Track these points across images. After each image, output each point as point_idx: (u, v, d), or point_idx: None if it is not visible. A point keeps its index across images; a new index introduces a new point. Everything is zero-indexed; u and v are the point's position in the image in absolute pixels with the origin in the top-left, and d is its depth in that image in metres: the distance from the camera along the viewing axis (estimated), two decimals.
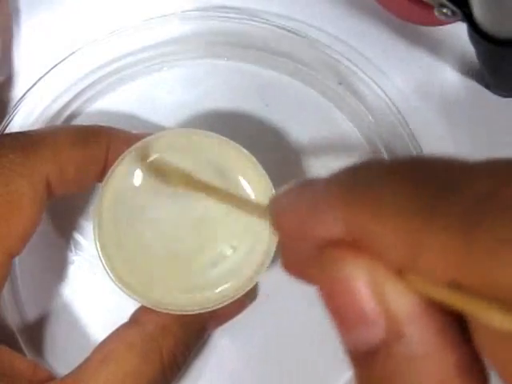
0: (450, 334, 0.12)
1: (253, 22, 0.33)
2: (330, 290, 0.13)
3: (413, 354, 0.12)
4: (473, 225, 0.11)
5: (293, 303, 0.32)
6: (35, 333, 0.32)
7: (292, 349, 0.32)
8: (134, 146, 0.28)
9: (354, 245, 0.13)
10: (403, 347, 0.12)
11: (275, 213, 0.15)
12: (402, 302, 0.12)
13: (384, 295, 0.12)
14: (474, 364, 0.12)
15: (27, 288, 0.32)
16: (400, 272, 0.12)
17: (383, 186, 0.13)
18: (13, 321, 0.31)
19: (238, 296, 0.28)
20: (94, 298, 0.32)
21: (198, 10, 0.34)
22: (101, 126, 0.29)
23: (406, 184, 0.12)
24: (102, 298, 0.32)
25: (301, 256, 0.14)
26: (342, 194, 0.13)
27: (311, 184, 0.14)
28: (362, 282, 0.12)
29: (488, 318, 0.11)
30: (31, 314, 0.32)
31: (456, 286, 0.11)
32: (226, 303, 0.28)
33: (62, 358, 0.32)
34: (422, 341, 0.12)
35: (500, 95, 0.33)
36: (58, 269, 0.32)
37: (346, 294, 0.13)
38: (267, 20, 0.33)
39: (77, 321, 0.32)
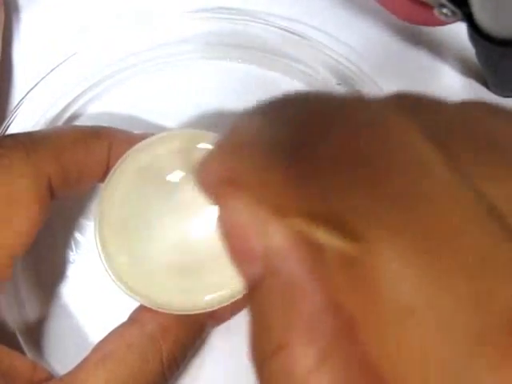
0: (323, 274, 0.12)
1: (253, 23, 0.33)
2: (222, 224, 0.14)
3: (285, 287, 0.12)
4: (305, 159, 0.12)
5: None
6: (35, 332, 0.32)
7: None
8: (135, 147, 0.29)
9: (239, 184, 0.13)
10: (276, 281, 0.12)
11: (198, 166, 0.16)
12: (279, 238, 0.12)
13: (263, 231, 0.13)
14: (339, 307, 0.12)
15: (27, 288, 0.32)
16: (278, 209, 0.12)
17: (250, 127, 0.14)
18: (13, 320, 0.31)
19: (238, 297, 0.28)
20: (93, 298, 0.32)
21: (198, 10, 0.34)
22: (102, 127, 0.30)
23: (272, 124, 0.13)
24: (101, 298, 0.32)
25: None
26: (226, 138, 0.14)
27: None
28: (247, 219, 0.13)
29: (324, 239, 0.11)
30: (31, 313, 0.32)
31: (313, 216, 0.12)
32: (225, 304, 0.28)
33: (62, 357, 0.32)
34: (294, 275, 0.12)
35: (500, 95, 0.33)
36: (58, 268, 0.32)
37: (232, 230, 0.13)
38: (267, 21, 0.33)
39: (77, 321, 0.32)
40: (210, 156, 0.14)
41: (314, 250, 0.12)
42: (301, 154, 0.12)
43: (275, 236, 0.12)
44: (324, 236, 0.11)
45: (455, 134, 0.12)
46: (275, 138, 0.13)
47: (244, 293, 0.14)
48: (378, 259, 0.11)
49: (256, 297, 0.13)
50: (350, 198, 0.11)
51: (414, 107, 0.13)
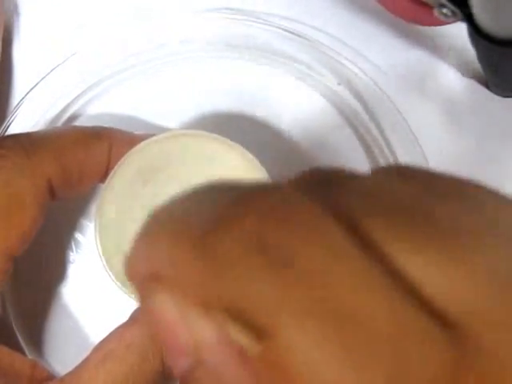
0: (250, 366, 0.12)
1: (253, 23, 0.33)
2: (149, 318, 0.13)
3: (213, 380, 0.12)
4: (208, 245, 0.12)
5: None
6: (35, 332, 0.32)
7: None
8: (136, 147, 0.29)
9: (159, 278, 0.13)
10: (203, 374, 0.13)
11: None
12: (205, 332, 0.12)
13: (189, 325, 0.13)
14: None
15: (27, 287, 0.32)
16: (201, 302, 0.12)
17: (166, 217, 0.13)
18: (13, 320, 0.31)
19: None
20: (94, 298, 0.32)
21: (199, 11, 0.34)
22: (103, 127, 0.30)
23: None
24: (102, 298, 0.32)
25: None
26: (144, 229, 0.14)
27: None
28: (172, 313, 0.13)
29: (233, 336, 0.11)
30: (31, 313, 0.32)
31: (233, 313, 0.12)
32: None
33: (62, 357, 0.32)
34: (220, 369, 0.12)
35: (500, 95, 0.33)
36: (58, 268, 0.32)
37: (161, 326, 0.13)
38: (268, 21, 0.33)
39: (77, 321, 0.32)
40: (133, 250, 0.14)
41: (237, 344, 0.12)
42: (209, 247, 0.12)
43: (200, 329, 0.12)
44: (234, 333, 0.12)
45: (367, 206, 0.12)
46: (189, 230, 0.12)
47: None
48: (289, 351, 0.11)
49: None
50: (250, 290, 0.11)
51: (326, 182, 0.13)
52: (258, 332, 0.11)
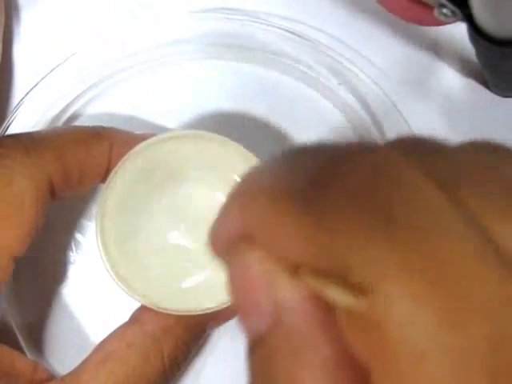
0: (334, 328, 0.12)
1: (254, 24, 0.33)
2: (232, 281, 0.14)
3: (293, 342, 0.12)
4: (320, 212, 0.12)
5: None
6: (35, 332, 0.32)
7: None
8: (136, 147, 0.29)
9: (251, 238, 0.13)
10: (281, 336, 0.12)
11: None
12: (291, 295, 0.12)
13: (273, 286, 0.13)
14: (352, 359, 0.12)
15: (28, 287, 0.32)
16: (293, 265, 0.12)
17: (261, 180, 0.13)
18: (13, 320, 0.31)
19: None
20: (94, 298, 0.32)
21: (199, 11, 0.34)
22: (104, 127, 0.30)
23: (277, 173, 0.13)
24: (102, 298, 0.32)
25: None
26: (236, 192, 0.14)
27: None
28: (257, 274, 0.13)
29: (332, 296, 0.11)
30: (32, 313, 0.32)
31: (317, 272, 0.12)
32: (226, 305, 0.28)
33: (63, 358, 0.32)
34: (301, 331, 0.12)
35: (500, 95, 0.33)
36: (58, 269, 0.32)
37: (243, 285, 0.13)
38: (268, 21, 0.33)
39: (77, 321, 0.32)
40: (221, 211, 0.14)
41: (324, 305, 0.12)
42: (312, 203, 0.12)
43: (285, 291, 0.12)
44: (332, 292, 0.11)
45: (460, 176, 0.12)
46: (285, 188, 0.13)
47: (245, 346, 0.14)
48: (387, 307, 0.11)
49: (260, 351, 0.13)
50: (358, 246, 0.11)
51: (417, 150, 0.13)
52: (358, 290, 0.11)
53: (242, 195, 0.14)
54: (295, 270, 0.12)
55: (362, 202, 0.12)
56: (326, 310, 0.12)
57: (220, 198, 0.30)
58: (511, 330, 0.10)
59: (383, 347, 0.11)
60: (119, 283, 0.28)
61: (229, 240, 0.14)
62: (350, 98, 0.33)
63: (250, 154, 0.29)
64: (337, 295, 0.11)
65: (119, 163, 0.28)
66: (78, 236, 0.33)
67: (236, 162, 0.29)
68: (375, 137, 0.33)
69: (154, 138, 0.29)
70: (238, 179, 0.29)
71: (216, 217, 0.14)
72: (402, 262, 0.11)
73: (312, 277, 0.12)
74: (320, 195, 0.12)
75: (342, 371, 0.12)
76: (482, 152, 0.14)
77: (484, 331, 0.10)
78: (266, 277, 0.13)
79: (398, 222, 0.11)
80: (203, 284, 0.29)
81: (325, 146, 0.14)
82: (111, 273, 0.28)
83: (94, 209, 0.30)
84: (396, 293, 0.11)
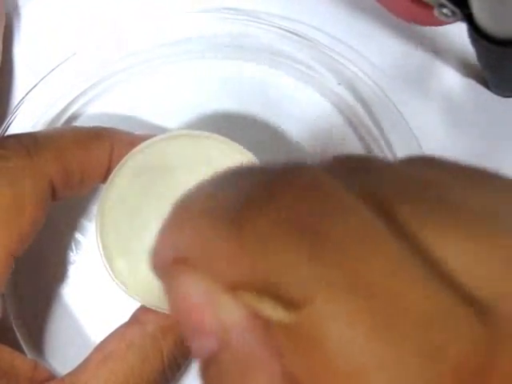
0: (275, 340, 0.12)
1: (254, 24, 0.33)
2: (173, 302, 0.13)
3: (239, 361, 0.12)
4: (241, 224, 0.12)
5: None
6: (35, 332, 0.32)
7: None
8: (136, 148, 0.29)
9: (185, 260, 0.13)
10: (228, 356, 0.12)
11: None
12: (233, 314, 0.12)
13: (214, 306, 0.13)
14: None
15: (28, 287, 0.32)
16: (229, 285, 0.12)
17: (195, 201, 0.13)
18: (13, 320, 0.31)
19: None
20: (94, 298, 0.32)
21: (199, 11, 0.34)
22: (104, 128, 0.30)
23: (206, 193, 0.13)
24: (102, 298, 0.32)
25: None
26: (172, 214, 0.14)
27: None
28: (198, 295, 0.13)
29: (266, 312, 0.12)
30: (32, 313, 0.32)
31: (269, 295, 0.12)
32: None
33: (63, 357, 0.32)
34: (247, 350, 0.12)
35: (500, 95, 0.33)
36: (58, 269, 0.32)
37: (184, 306, 0.13)
38: (268, 21, 0.33)
39: (77, 321, 0.32)
40: (159, 237, 0.14)
41: (265, 322, 0.12)
42: (242, 224, 0.12)
43: (225, 310, 0.12)
44: (265, 308, 0.12)
45: (395, 193, 0.13)
46: (218, 210, 0.13)
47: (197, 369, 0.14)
48: (321, 323, 0.11)
49: (210, 372, 0.13)
50: (287, 265, 0.11)
51: (354, 169, 0.14)
52: (289, 305, 0.11)
53: (177, 216, 0.14)
54: (232, 289, 0.12)
55: (291, 222, 0.12)
56: (267, 327, 0.12)
57: None
58: (443, 342, 0.11)
59: (321, 366, 0.11)
60: (119, 283, 0.28)
61: (165, 262, 0.14)
62: (349, 98, 0.33)
63: (250, 154, 0.29)
64: (269, 310, 0.11)
65: (119, 163, 0.28)
66: (78, 236, 0.33)
67: (236, 162, 0.29)
68: (375, 136, 0.33)
69: (154, 139, 0.29)
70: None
71: (154, 242, 0.14)
72: (331, 279, 0.11)
73: (247, 295, 0.12)
74: (251, 216, 0.12)
75: None
76: (419, 166, 0.14)
77: (417, 345, 0.10)
78: (207, 297, 0.13)
79: (325, 241, 0.11)
80: None
81: (260, 167, 0.14)
82: (111, 273, 0.28)
83: (94, 209, 0.30)
84: (328, 309, 0.11)
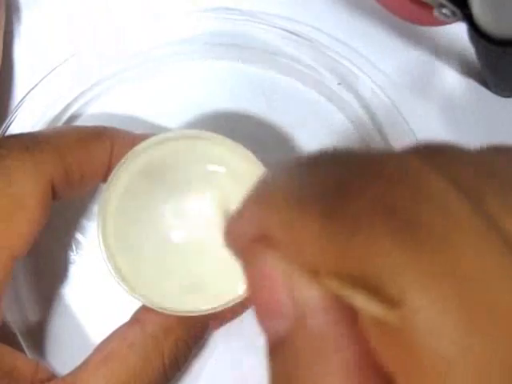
0: (355, 330, 0.12)
1: (254, 24, 0.33)
2: (250, 280, 0.14)
3: (315, 344, 0.12)
4: (344, 217, 0.12)
5: None
6: (36, 332, 0.32)
7: None
8: (136, 147, 0.29)
9: (270, 239, 0.13)
10: (303, 337, 0.12)
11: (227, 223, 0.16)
12: (311, 295, 0.12)
13: (294, 286, 0.13)
14: (375, 363, 0.12)
15: (28, 288, 0.32)
16: (313, 268, 0.12)
17: (280, 182, 0.13)
18: (14, 321, 0.31)
19: (240, 299, 0.28)
20: (94, 298, 0.32)
21: (200, 11, 0.34)
22: (105, 127, 0.29)
23: (298, 179, 0.13)
24: (102, 298, 0.32)
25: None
26: (254, 193, 0.14)
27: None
28: (277, 273, 0.13)
29: (360, 305, 0.11)
30: (32, 314, 0.32)
31: (348, 278, 0.12)
32: (228, 305, 0.27)
33: (63, 357, 0.32)
34: (322, 332, 0.12)
35: (500, 95, 0.33)
36: (58, 269, 0.32)
37: (263, 284, 0.13)
38: (267, 21, 0.33)
39: (78, 321, 0.32)
40: (239, 212, 0.14)
41: (344, 306, 0.12)
42: (337, 209, 0.12)
43: (305, 291, 0.12)
44: (359, 300, 0.11)
45: (482, 182, 0.12)
46: (308, 192, 0.12)
47: (265, 347, 0.14)
48: (414, 316, 0.11)
49: (280, 352, 0.13)
50: (384, 254, 0.11)
51: (437, 156, 0.13)
52: (388, 301, 0.11)
53: (262, 196, 0.14)
54: (315, 272, 0.12)
55: (387, 209, 0.12)
56: (347, 312, 0.12)
57: (220, 197, 0.30)
58: None
59: (409, 356, 0.11)
60: (120, 283, 0.28)
61: (246, 240, 0.14)
62: (349, 98, 0.33)
63: (251, 154, 0.29)
64: (364, 303, 0.11)
65: (120, 163, 0.28)
66: (78, 236, 0.33)
67: (236, 162, 0.29)
68: (375, 136, 0.33)
69: (154, 138, 0.29)
70: (240, 178, 0.29)
71: (232, 215, 0.14)
72: (429, 270, 0.11)
73: (337, 282, 0.12)
74: (344, 203, 0.12)
75: (364, 374, 0.12)
76: (503, 155, 0.14)
77: (507, 336, 0.10)
78: (286, 277, 0.13)
79: (423, 230, 0.11)
80: (205, 284, 0.29)
81: (344, 153, 0.14)
82: (112, 272, 0.28)
83: (95, 208, 0.30)
84: (422, 302, 0.11)
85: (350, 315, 0.12)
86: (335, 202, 0.12)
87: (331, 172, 0.13)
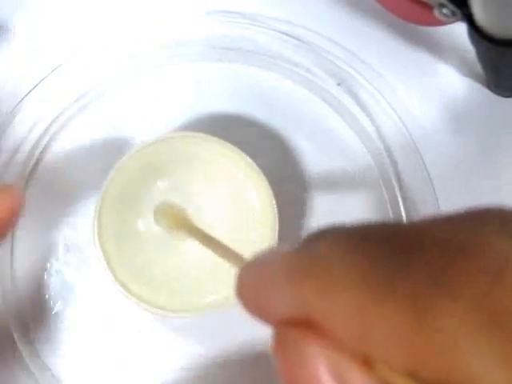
0: None
1: (253, 26, 0.33)
2: (290, 373, 0.12)
3: None
4: (425, 308, 0.11)
5: None
6: (33, 333, 0.32)
7: None
8: (135, 148, 0.29)
9: (310, 324, 0.12)
10: None
11: (238, 283, 0.14)
12: None
13: (345, 382, 0.12)
14: None
15: (29, 287, 0.32)
16: (364, 359, 0.11)
17: (333, 259, 0.12)
18: (13, 321, 0.31)
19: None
20: (94, 298, 0.32)
21: (200, 14, 0.34)
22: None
23: (357, 256, 0.12)
24: (102, 298, 0.32)
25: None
26: (289, 268, 0.12)
27: (275, 254, 0.13)
28: (323, 368, 0.12)
29: None
30: (33, 314, 0.32)
31: (416, 377, 0.11)
32: (223, 306, 0.28)
33: (63, 357, 0.32)
34: None
35: (500, 95, 0.33)
36: (59, 269, 0.32)
37: (304, 376, 0.12)
38: (267, 24, 0.33)
39: (77, 321, 0.32)
40: (272, 279, 0.13)
41: None
42: (405, 292, 0.11)
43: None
44: None
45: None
46: (372, 276, 0.11)
47: None
48: None
49: None
50: (474, 358, 0.10)
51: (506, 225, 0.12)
52: None
53: (302, 272, 0.12)
54: (366, 363, 0.11)
55: (460, 293, 0.10)
56: None
57: (219, 198, 0.30)
58: None
59: None
60: (118, 285, 0.28)
61: (279, 319, 0.12)
62: (348, 100, 0.33)
63: (248, 158, 0.29)
64: None
65: (118, 166, 0.28)
66: (76, 236, 0.33)
67: (234, 165, 0.29)
68: (374, 138, 0.33)
69: (153, 140, 0.29)
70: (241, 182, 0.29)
71: (257, 289, 0.13)
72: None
73: (408, 380, 0.11)
74: (406, 282, 0.11)
75: None
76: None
77: None
78: (334, 373, 0.12)
79: (503, 318, 0.10)
80: (201, 285, 0.29)
81: (395, 223, 0.12)
82: (110, 274, 0.28)
83: (93, 209, 0.30)
84: None
85: None
86: (420, 292, 0.11)
87: (387, 251, 0.11)
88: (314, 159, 0.33)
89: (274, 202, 0.29)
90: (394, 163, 0.32)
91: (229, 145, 0.29)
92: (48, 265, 0.32)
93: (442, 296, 0.10)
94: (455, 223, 0.12)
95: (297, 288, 0.12)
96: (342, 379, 0.11)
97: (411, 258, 0.11)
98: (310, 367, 0.12)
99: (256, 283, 0.13)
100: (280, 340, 0.12)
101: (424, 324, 0.10)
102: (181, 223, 0.28)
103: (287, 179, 0.32)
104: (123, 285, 0.28)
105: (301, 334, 0.12)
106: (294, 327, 0.12)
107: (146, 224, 0.29)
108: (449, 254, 0.11)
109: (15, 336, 0.31)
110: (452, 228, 0.12)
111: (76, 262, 0.32)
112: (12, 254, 0.32)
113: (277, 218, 0.29)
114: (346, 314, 0.11)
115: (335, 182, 0.33)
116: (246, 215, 0.29)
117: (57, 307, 0.32)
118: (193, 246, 0.29)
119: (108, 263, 0.28)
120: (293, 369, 0.12)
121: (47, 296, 0.32)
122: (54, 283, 0.32)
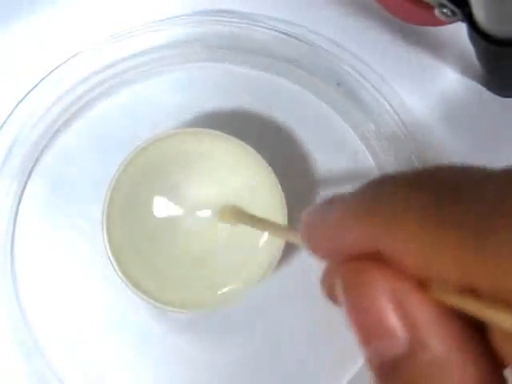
0: (472, 342, 0.12)
1: (253, 27, 0.33)
2: (354, 304, 0.13)
3: (437, 362, 0.12)
4: (485, 230, 0.11)
5: (293, 306, 0.32)
6: (36, 332, 0.32)
7: (292, 350, 0.32)
8: (139, 145, 0.29)
9: (376, 257, 0.13)
10: (427, 356, 0.12)
11: (304, 229, 0.15)
12: (424, 312, 0.12)
13: (406, 307, 0.12)
14: (495, 374, 0.12)
15: (29, 288, 0.32)
16: (421, 282, 0.12)
17: (397, 197, 0.13)
18: (13, 321, 0.31)
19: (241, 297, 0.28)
20: (94, 298, 0.32)
21: (198, 14, 0.34)
22: None
23: (420, 193, 0.13)
24: (102, 298, 0.32)
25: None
26: (361, 208, 0.13)
27: (338, 199, 0.14)
28: (386, 296, 0.13)
29: (503, 322, 0.11)
30: (32, 313, 0.32)
31: (472, 292, 0.11)
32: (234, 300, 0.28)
33: (63, 357, 0.32)
34: (445, 350, 0.12)
35: (500, 95, 0.33)
36: (59, 269, 0.32)
37: (370, 308, 0.13)
38: (267, 24, 0.33)
39: (77, 321, 0.32)
40: (335, 216, 0.14)
41: (464, 325, 0.12)
42: (490, 233, 0.11)
43: (418, 310, 0.12)
44: (497, 318, 0.11)
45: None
46: (426, 209, 0.12)
47: (370, 372, 0.13)
48: None
49: (397, 377, 0.13)
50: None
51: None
52: None
53: (362, 209, 0.13)
54: (424, 287, 0.12)
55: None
56: (468, 330, 0.12)
57: (225, 193, 0.30)
58: None
59: None
60: (125, 280, 0.28)
61: (344, 249, 0.13)
62: (348, 100, 0.33)
63: (250, 148, 0.29)
64: (504, 321, 0.11)
65: (122, 162, 0.29)
66: (82, 235, 0.33)
67: (237, 157, 0.29)
68: (374, 137, 0.33)
69: (156, 137, 0.29)
70: (247, 175, 0.29)
71: (328, 230, 0.14)
72: None
73: (467, 298, 0.11)
74: (485, 225, 0.11)
75: None
76: None
77: None
78: (396, 299, 0.12)
79: None
80: (211, 279, 0.29)
81: (449, 167, 0.14)
82: (119, 272, 0.28)
83: (93, 209, 0.30)
84: None
85: (463, 330, 0.12)
86: (489, 226, 0.11)
87: (440, 185, 0.13)
88: (313, 159, 0.33)
89: (281, 189, 0.29)
90: (393, 163, 0.32)
91: (233, 138, 0.29)
92: (48, 265, 0.32)
93: (499, 217, 0.11)
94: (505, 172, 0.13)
95: (367, 225, 0.13)
96: (402, 303, 0.12)
97: (471, 193, 0.12)
98: (373, 296, 0.13)
99: (323, 225, 0.14)
100: (348, 276, 0.13)
101: (483, 242, 0.11)
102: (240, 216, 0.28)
103: (287, 179, 0.32)
104: (134, 282, 0.28)
105: (365, 266, 0.13)
106: (360, 261, 0.13)
107: (154, 220, 0.30)
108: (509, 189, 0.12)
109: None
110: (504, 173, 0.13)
111: (83, 261, 0.32)
112: (12, 253, 0.32)
113: (285, 209, 0.29)
114: (413, 242, 0.12)
115: (335, 182, 0.33)
116: (253, 209, 0.29)
117: (60, 306, 0.32)
118: (202, 240, 0.29)
119: (116, 258, 0.28)
120: (355, 298, 0.13)
121: (49, 295, 0.32)
122: (55, 283, 0.32)
